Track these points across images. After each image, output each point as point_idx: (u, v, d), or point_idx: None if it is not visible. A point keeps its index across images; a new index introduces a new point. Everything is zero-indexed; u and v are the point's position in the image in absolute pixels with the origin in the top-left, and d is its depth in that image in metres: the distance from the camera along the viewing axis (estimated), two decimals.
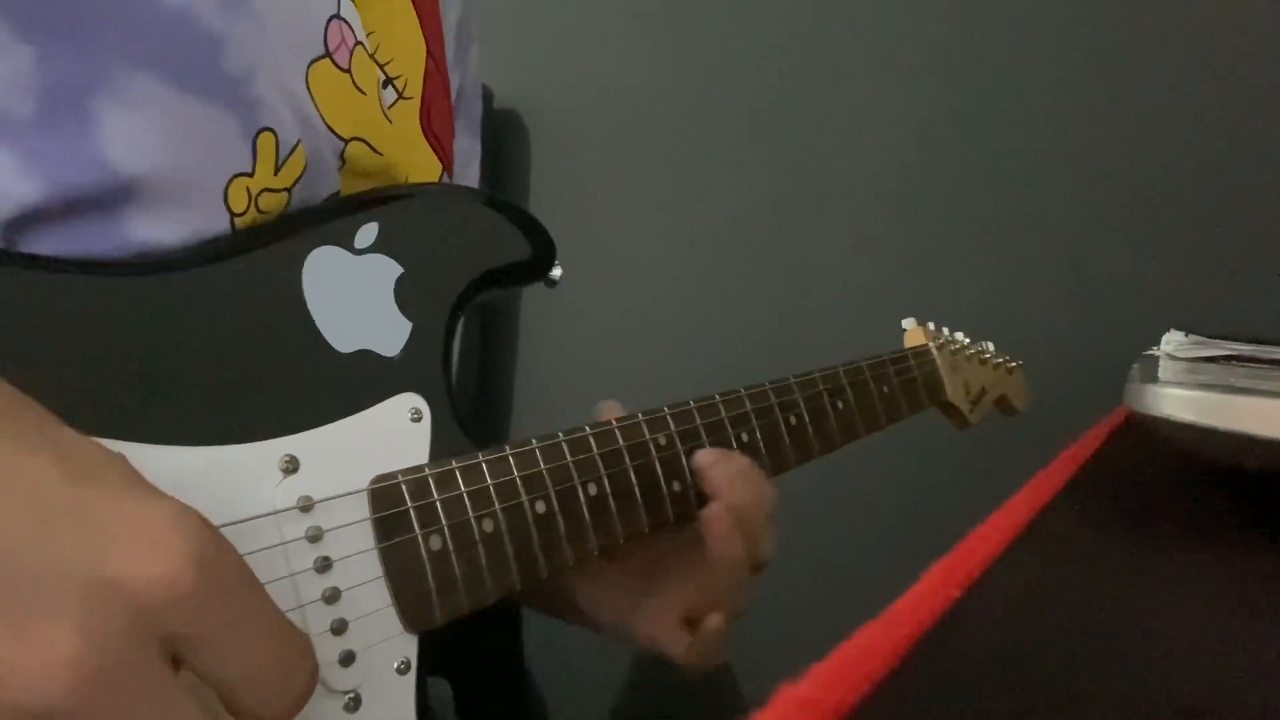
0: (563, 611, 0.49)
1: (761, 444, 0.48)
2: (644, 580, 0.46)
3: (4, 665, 0.21)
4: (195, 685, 0.24)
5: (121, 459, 0.26)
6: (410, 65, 0.47)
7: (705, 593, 0.43)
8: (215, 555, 0.24)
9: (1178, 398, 0.35)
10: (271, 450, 0.33)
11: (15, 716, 0.21)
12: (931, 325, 0.65)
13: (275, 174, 0.37)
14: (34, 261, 0.31)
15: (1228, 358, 0.40)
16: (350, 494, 0.34)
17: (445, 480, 0.36)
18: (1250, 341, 0.40)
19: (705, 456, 0.43)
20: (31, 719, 0.21)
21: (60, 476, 0.24)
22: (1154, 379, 0.40)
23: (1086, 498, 0.40)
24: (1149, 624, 0.26)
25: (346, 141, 0.42)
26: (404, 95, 0.47)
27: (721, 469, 0.43)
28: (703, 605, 0.43)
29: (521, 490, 0.38)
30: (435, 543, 0.35)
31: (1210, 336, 0.41)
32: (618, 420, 0.43)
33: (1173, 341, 0.42)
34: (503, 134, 1.04)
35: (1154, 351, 0.44)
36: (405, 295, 0.39)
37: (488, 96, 1.01)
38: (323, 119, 0.40)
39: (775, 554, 0.45)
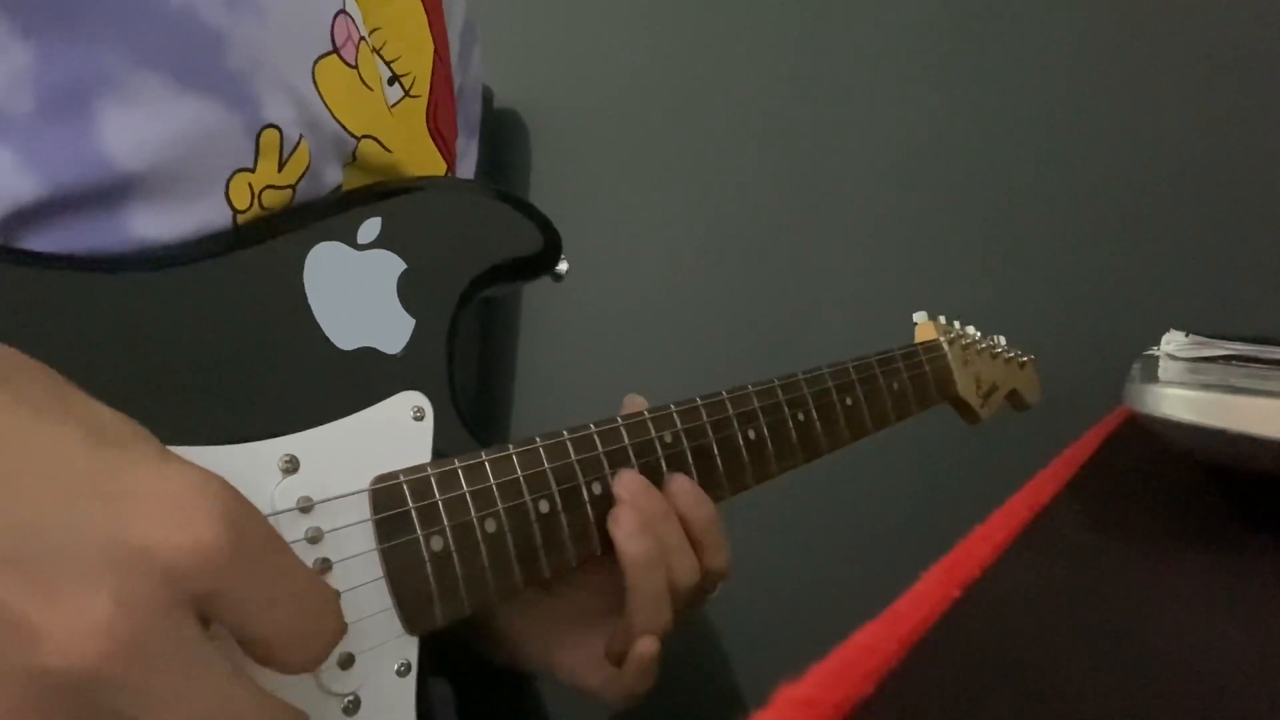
0: (486, 649, 0.48)
1: (769, 441, 0.47)
2: (572, 615, 0.44)
3: (38, 632, 0.21)
4: (225, 644, 0.25)
5: (141, 427, 0.26)
6: (418, 63, 0.47)
7: (626, 628, 0.41)
8: (242, 517, 0.25)
9: (1178, 398, 0.35)
10: (271, 450, 0.33)
11: (50, 683, 0.21)
12: (943, 319, 0.64)
13: (279, 170, 0.37)
14: (32, 257, 0.31)
15: (1228, 358, 0.40)
16: (351, 495, 0.34)
17: (447, 480, 0.36)
18: (1250, 341, 0.40)
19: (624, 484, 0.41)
20: (66, 686, 0.21)
21: (84, 443, 0.24)
22: (1154, 379, 0.39)
23: (1087, 497, 0.39)
24: (1149, 624, 0.26)
25: (359, 139, 0.41)
26: (410, 93, 0.47)
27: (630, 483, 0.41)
28: (624, 640, 0.41)
29: (525, 489, 0.38)
30: (437, 543, 0.35)
31: (1210, 336, 0.41)
32: (623, 417, 0.43)
33: (1173, 341, 0.42)
34: (503, 134, 1.04)
35: (1154, 351, 0.44)
36: (408, 291, 0.39)
37: (488, 96, 1.01)
38: (333, 115, 0.40)
39: (723, 569, 0.44)
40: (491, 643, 0.47)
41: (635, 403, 0.46)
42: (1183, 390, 0.35)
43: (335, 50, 0.40)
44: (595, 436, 0.41)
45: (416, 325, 0.39)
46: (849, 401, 0.52)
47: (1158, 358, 0.42)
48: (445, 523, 0.35)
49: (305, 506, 0.33)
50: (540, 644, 0.45)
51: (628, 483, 0.40)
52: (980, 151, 0.90)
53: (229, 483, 0.25)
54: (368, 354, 0.37)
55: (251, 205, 0.37)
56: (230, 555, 0.24)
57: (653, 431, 0.43)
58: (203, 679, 0.24)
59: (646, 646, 0.40)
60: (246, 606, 0.25)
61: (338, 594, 0.28)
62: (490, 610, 0.37)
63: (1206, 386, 0.36)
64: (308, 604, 0.27)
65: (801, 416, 0.49)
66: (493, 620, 0.46)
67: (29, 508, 0.22)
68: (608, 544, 0.41)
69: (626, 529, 0.39)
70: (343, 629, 0.28)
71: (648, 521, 0.40)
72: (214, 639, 0.25)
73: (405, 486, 0.35)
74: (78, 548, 0.22)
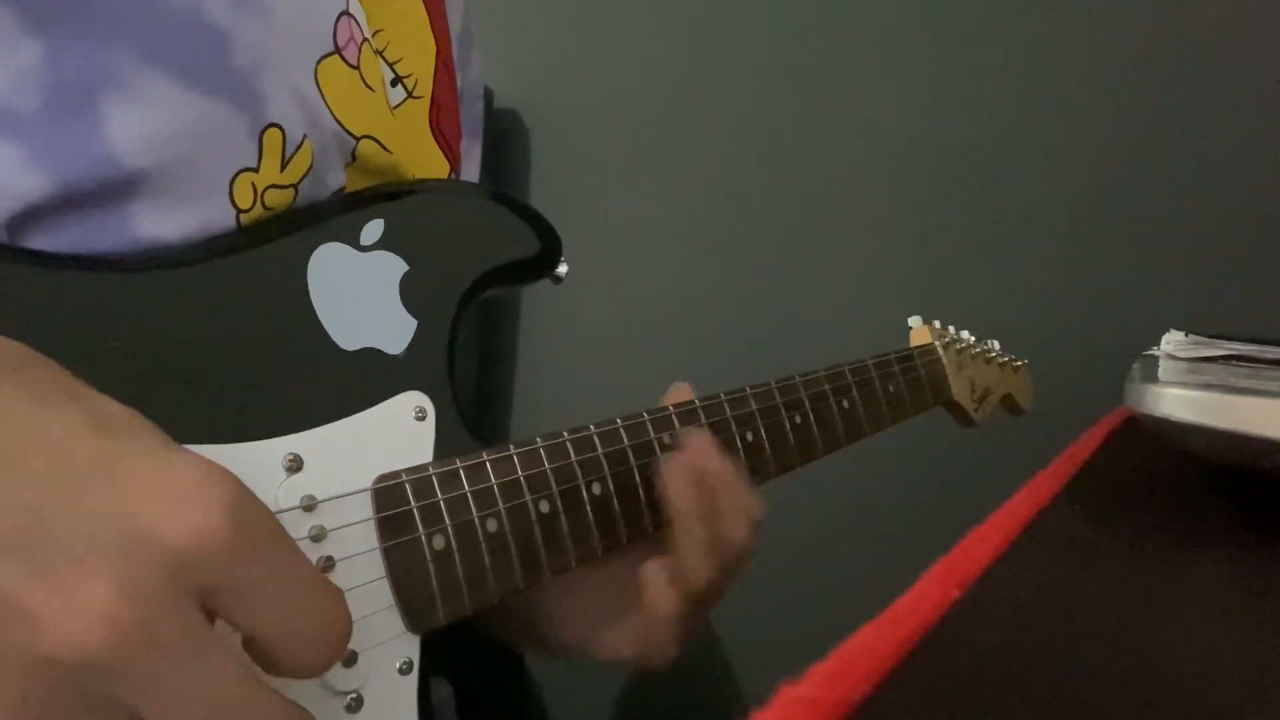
0: (516, 636, 0.48)
1: (766, 443, 0.48)
2: (610, 597, 0.44)
3: (42, 619, 0.21)
4: (230, 639, 0.25)
5: (145, 419, 0.26)
6: (420, 64, 0.48)
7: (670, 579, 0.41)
8: (248, 509, 0.24)
9: (1178, 398, 0.35)
10: (275, 449, 0.33)
11: (53, 670, 0.21)
12: (937, 324, 0.65)
13: (281, 170, 0.37)
14: (37, 257, 0.31)
15: (1228, 358, 0.40)
16: (354, 493, 0.34)
17: (449, 479, 0.36)
18: (1250, 341, 0.40)
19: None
20: (69, 672, 0.21)
21: (90, 432, 0.24)
22: (1154, 379, 0.40)
23: (1086, 498, 0.40)
24: (1149, 624, 0.26)
25: (358, 139, 0.42)
26: (413, 94, 0.47)
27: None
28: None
29: (525, 489, 0.38)
30: (439, 542, 0.35)
31: (1210, 336, 0.41)
32: (622, 419, 0.43)
33: (1173, 341, 0.42)
34: (503, 134, 1.04)
35: (1154, 351, 0.44)
36: (410, 292, 0.39)
37: (488, 96, 1.01)
38: (333, 115, 0.40)
39: (750, 550, 0.43)
40: (522, 632, 0.47)
41: (681, 390, 0.47)
42: (1183, 390, 0.36)
43: (337, 51, 0.40)
44: (595, 437, 0.41)
45: (419, 326, 0.39)
46: (845, 404, 0.52)
47: (1158, 358, 0.43)
48: (447, 522, 0.36)
49: (309, 505, 0.33)
50: (581, 623, 0.45)
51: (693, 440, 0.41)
52: (982, 152, 0.90)
53: (234, 474, 0.25)
54: (370, 354, 0.37)
55: (254, 205, 0.37)
56: (236, 545, 0.23)
57: (651, 433, 0.43)
58: (207, 670, 0.23)
59: (666, 595, 0.40)
60: (252, 599, 0.24)
61: (343, 594, 0.28)
62: (491, 605, 0.37)
63: (1206, 386, 0.36)
64: (315, 599, 0.26)
65: (798, 419, 0.49)
66: (526, 609, 0.46)
67: (35, 492, 0.22)
68: (609, 545, 0.41)
69: (678, 479, 0.40)
70: (349, 627, 0.28)
71: (699, 477, 0.40)
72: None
73: (407, 485, 0.35)
74: (83, 533, 0.22)
